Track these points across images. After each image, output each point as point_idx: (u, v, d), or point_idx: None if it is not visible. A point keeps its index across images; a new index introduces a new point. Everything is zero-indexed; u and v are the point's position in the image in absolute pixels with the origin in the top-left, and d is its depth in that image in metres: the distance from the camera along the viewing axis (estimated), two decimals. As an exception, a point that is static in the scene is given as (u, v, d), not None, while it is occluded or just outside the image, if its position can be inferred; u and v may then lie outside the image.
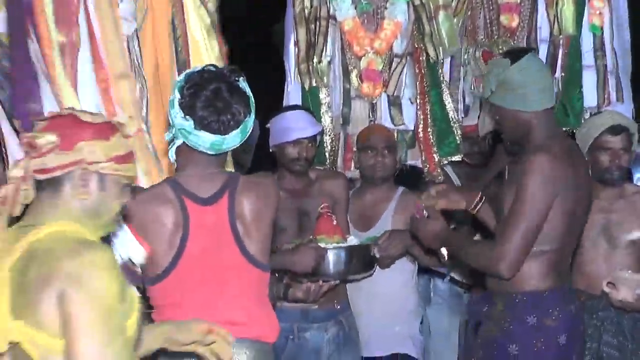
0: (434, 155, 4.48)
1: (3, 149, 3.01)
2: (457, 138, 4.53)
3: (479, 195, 3.52)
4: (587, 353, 3.64)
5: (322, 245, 3.67)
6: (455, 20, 4.52)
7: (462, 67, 4.61)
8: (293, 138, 3.85)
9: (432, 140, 4.47)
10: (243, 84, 2.70)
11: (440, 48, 4.47)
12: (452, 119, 4.53)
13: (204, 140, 2.60)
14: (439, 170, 4.48)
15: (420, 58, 4.52)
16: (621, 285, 3.59)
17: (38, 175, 1.93)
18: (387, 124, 4.43)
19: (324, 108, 4.47)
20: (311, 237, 3.75)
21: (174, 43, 3.28)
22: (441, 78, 4.53)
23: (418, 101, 4.52)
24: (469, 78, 4.62)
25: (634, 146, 3.95)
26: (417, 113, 4.53)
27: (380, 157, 4.04)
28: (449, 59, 4.58)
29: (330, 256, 3.64)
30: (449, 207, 3.44)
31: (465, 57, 4.61)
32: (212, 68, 2.70)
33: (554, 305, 3.19)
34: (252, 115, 2.68)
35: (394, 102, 4.51)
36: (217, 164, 2.75)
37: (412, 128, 4.58)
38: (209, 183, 2.72)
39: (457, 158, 4.54)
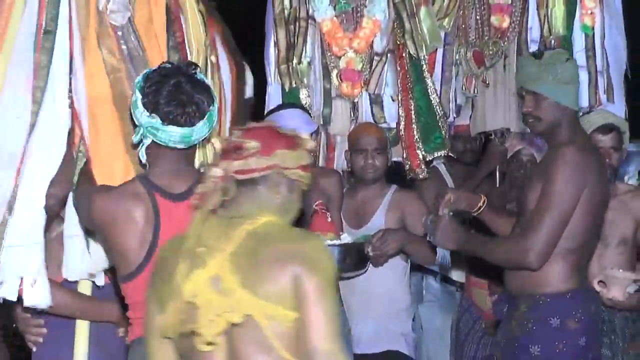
0: (417, 152, 4.45)
1: None
2: (444, 133, 4.52)
3: (483, 199, 3.51)
4: None
5: None
6: (446, 19, 4.50)
7: (453, 67, 4.59)
8: None
9: (415, 137, 4.44)
10: (201, 75, 2.71)
11: (423, 44, 4.44)
12: (438, 113, 4.50)
13: (173, 134, 2.62)
14: (422, 167, 4.45)
15: (403, 55, 4.50)
16: (612, 283, 3.58)
17: (239, 175, 2.22)
18: (370, 122, 4.45)
19: None
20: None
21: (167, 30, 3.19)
22: (425, 73, 4.49)
23: (400, 98, 4.50)
24: (461, 78, 4.63)
25: (624, 145, 3.95)
26: (398, 110, 4.52)
27: (370, 159, 4.04)
28: (441, 59, 4.55)
29: None
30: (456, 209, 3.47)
31: (457, 57, 4.60)
32: (168, 65, 2.70)
33: (576, 307, 3.20)
34: (216, 105, 2.71)
35: (376, 101, 4.50)
36: (186, 159, 2.76)
37: (394, 126, 4.57)
38: (180, 179, 2.70)
39: (443, 153, 4.53)
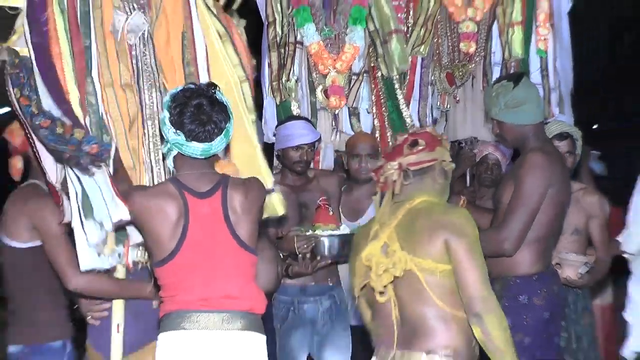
0: None
1: (40, 162, 3.05)
2: None
3: (462, 200, 3.86)
4: None
5: (320, 232, 3.89)
6: (422, 47, 4.78)
7: (430, 86, 4.87)
8: (295, 144, 4.08)
9: (388, 144, 4.61)
10: (220, 94, 2.80)
11: (393, 67, 4.66)
12: (408, 124, 4.71)
13: (195, 148, 2.74)
14: None
15: (376, 75, 4.76)
16: (566, 265, 3.87)
17: (412, 167, 2.73)
18: (348, 131, 4.67)
19: None
20: (311, 224, 3.96)
21: (182, 53, 3.26)
22: (396, 91, 4.72)
23: (374, 111, 4.75)
24: (436, 95, 4.92)
25: (577, 150, 4.17)
26: (373, 121, 4.76)
27: (363, 163, 4.22)
28: (419, 80, 4.82)
29: (327, 242, 3.88)
30: None
31: (432, 77, 4.88)
32: (191, 86, 2.80)
33: (541, 287, 3.41)
34: (232, 120, 2.80)
35: (353, 113, 4.72)
36: (209, 165, 2.87)
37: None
38: (205, 181, 2.82)
39: None
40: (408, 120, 4.75)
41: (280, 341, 4.12)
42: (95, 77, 3.00)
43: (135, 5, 3.16)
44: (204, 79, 3.18)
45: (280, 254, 3.80)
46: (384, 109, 4.74)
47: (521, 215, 3.31)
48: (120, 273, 3.05)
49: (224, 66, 3.28)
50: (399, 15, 4.78)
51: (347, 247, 3.83)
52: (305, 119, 4.36)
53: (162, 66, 3.16)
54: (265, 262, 3.37)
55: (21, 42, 2.99)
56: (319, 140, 4.34)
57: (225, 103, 2.79)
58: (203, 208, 2.79)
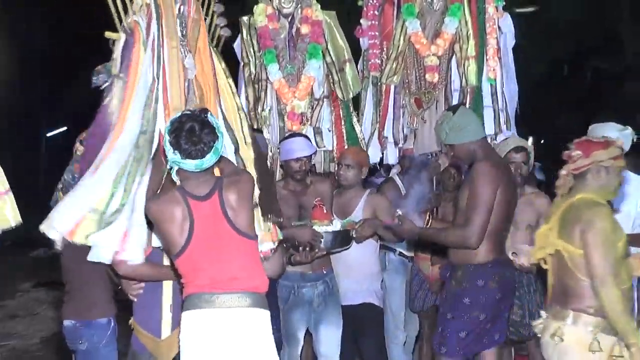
0: None
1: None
2: (367, 151, 5.01)
3: (428, 216, 3.97)
4: None
5: (317, 227, 4.17)
6: (395, 77, 5.13)
7: (401, 109, 5.21)
8: (296, 156, 4.31)
9: None
10: (211, 117, 2.97)
11: (349, 90, 5.02)
12: (360, 139, 5.09)
13: (190, 165, 2.93)
14: None
15: (335, 98, 5.06)
16: (521, 254, 4.06)
17: (574, 172, 3.14)
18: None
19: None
20: (307, 221, 4.24)
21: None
22: (351, 111, 5.07)
23: (334, 129, 5.06)
24: (407, 116, 5.23)
25: (530, 160, 4.43)
26: (333, 137, 5.06)
27: (343, 171, 4.53)
28: (392, 103, 5.17)
29: (323, 236, 4.15)
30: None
31: (403, 102, 5.21)
32: (188, 112, 2.99)
33: (494, 273, 3.67)
34: (221, 138, 2.97)
35: (317, 132, 5.02)
36: (205, 173, 3.03)
37: (331, 148, 5.14)
38: (204, 186, 3.00)
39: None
40: (360, 135, 5.10)
41: (283, 318, 4.36)
42: (160, 100, 3.34)
43: (188, 49, 3.53)
44: (226, 99, 3.52)
45: (284, 245, 3.91)
46: (342, 126, 5.05)
47: (480, 215, 3.55)
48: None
49: (231, 95, 3.63)
50: (374, 51, 5.16)
51: (340, 239, 4.28)
52: (304, 135, 4.60)
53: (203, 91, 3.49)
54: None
55: (116, 67, 3.38)
56: (315, 153, 4.58)
57: (214, 125, 2.96)
58: (204, 208, 2.98)
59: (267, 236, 3.46)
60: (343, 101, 5.05)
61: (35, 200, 5.42)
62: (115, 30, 3.43)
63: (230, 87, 3.64)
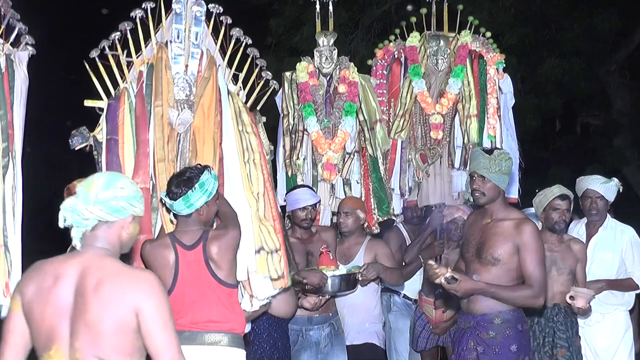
0: (373, 216, 4.79)
1: None
2: (391, 204, 4.87)
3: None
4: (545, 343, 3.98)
5: (324, 272, 4.05)
6: (402, 132, 4.96)
7: (407, 162, 5.06)
8: (302, 205, 4.23)
9: (373, 206, 4.82)
10: (193, 172, 3.05)
11: (377, 148, 4.84)
12: (388, 191, 4.89)
13: (169, 204, 3.05)
14: (376, 225, 4.77)
15: (365, 154, 4.88)
16: (579, 297, 3.94)
17: None
18: (342, 197, 4.77)
19: None
20: (315, 267, 4.12)
21: (212, 139, 3.53)
22: (379, 166, 4.85)
23: (362, 181, 4.88)
24: (412, 170, 5.05)
25: (571, 207, 4.27)
26: (361, 190, 4.87)
27: (343, 219, 4.45)
28: (399, 157, 4.99)
29: (330, 280, 4.04)
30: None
31: (409, 156, 5.05)
32: (190, 167, 3.14)
33: (524, 315, 3.47)
34: (194, 190, 2.99)
35: (346, 183, 4.87)
36: (194, 222, 3.08)
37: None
38: (191, 236, 3.05)
39: (390, 217, 4.87)
40: (388, 190, 4.90)
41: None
42: (151, 154, 3.37)
43: (185, 105, 3.55)
44: (228, 157, 3.54)
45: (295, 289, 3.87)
46: (369, 180, 4.87)
47: (543, 275, 3.31)
48: None
49: (246, 146, 3.64)
50: (383, 108, 5.00)
51: (345, 283, 4.14)
52: (308, 186, 4.51)
53: (197, 148, 3.51)
54: (287, 293, 3.68)
55: (102, 133, 3.42)
56: (319, 202, 4.48)
57: (192, 177, 3.03)
58: (189, 257, 3.03)
59: (278, 283, 3.43)
60: (372, 157, 4.91)
61: None
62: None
63: (251, 143, 3.62)
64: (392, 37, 5.23)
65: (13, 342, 2.10)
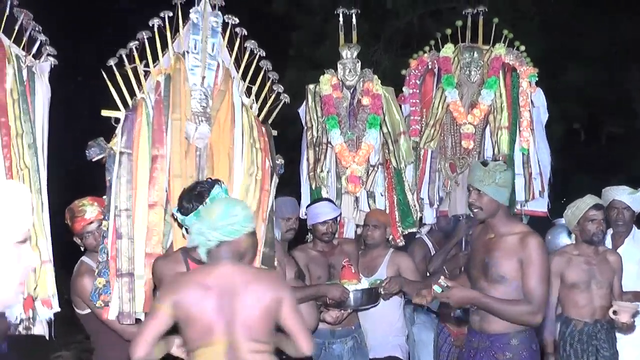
0: (398, 228, 4.73)
1: None
2: (415, 217, 4.77)
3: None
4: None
5: (346, 286, 3.89)
6: (432, 142, 4.83)
7: (437, 172, 4.94)
8: (322, 220, 4.12)
9: (397, 219, 4.75)
10: (203, 187, 2.96)
11: (402, 160, 4.76)
12: (412, 205, 4.79)
13: (181, 219, 2.99)
14: (401, 238, 4.70)
15: (389, 166, 4.78)
16: (622, 312, 3.71)
17: None
18: (366, 209, 4.65)
19: None
20: (337, 281, 3.98)
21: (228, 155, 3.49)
22: (404, 179, 4.77)
23: (386, 194, 4.79)
24: (442, 180, 4.95)
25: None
26: (385, 202, 4.78)
27: (369, 231, 4.32)
28: (429, 167, 4.89)
29: (352, 295, 3.87)
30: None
31: (439, 166, 4.93)
32: (202, 181, 3.06)
33: (535, 334, 3.29)
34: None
35: (370, 195, 4.77)
36: None
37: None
38: None
39: (414, 229, 4.79)
40: (411, 202, 4.80)
41: None
42: (166, 169, 3.29)
43: (203, 118, 3.43)
44: (237, 170, 3.50)
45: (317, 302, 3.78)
46: (393, 192, 4.80)
47: (544, 292, 3.11)
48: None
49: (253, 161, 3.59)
50: (415, 118, 4.87)
51: (368, 297, 3.97)
52: (328, 199, 4.38)
53: (212, 164, 3.44)
54: (309, 306, 3.62)
55: (117, 145, 3.31)
56: (340, 215, 4.35)
57: (206, 193, 2.94)
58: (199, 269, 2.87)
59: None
60: (396, 169, 4.82)
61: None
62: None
63: (257, 159, 3.57)
64: (426, 48, 5.16)
65: (156, 331, 2.55)
